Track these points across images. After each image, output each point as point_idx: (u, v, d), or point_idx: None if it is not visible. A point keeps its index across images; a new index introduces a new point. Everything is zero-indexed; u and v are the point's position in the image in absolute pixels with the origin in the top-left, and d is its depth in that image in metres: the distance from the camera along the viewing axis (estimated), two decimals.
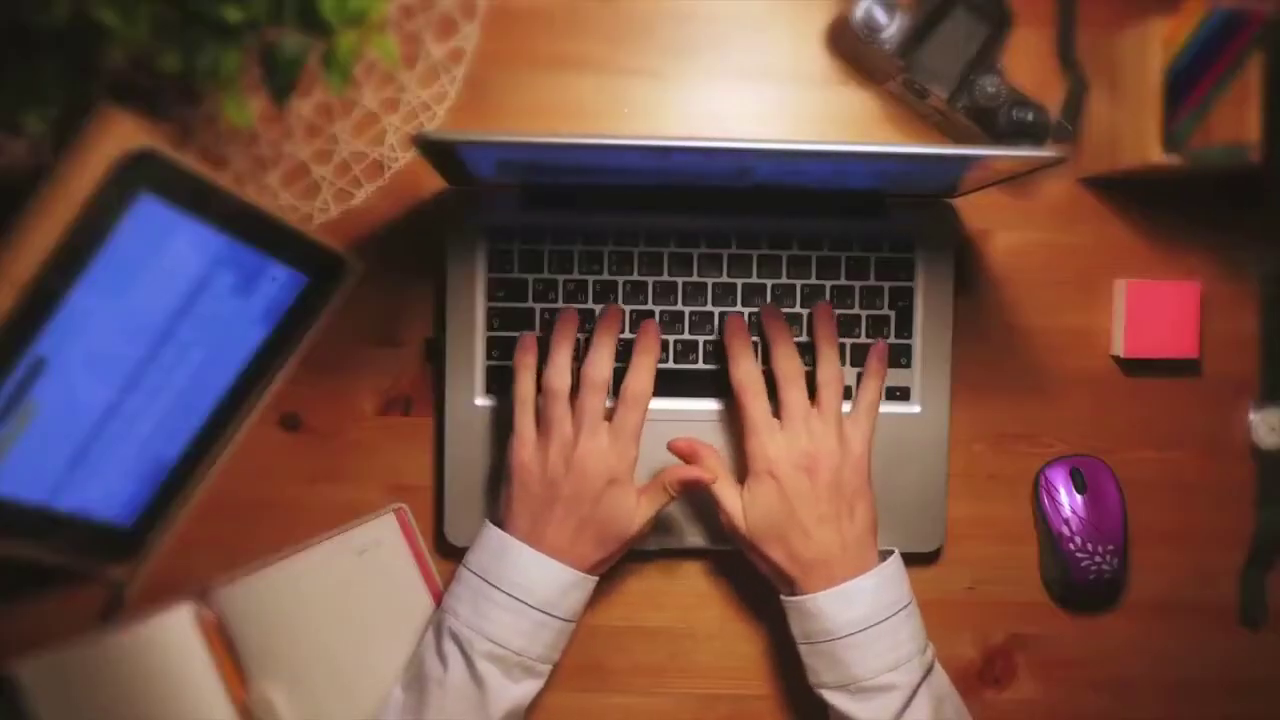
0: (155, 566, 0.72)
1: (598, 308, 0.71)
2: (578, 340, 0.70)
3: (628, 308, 0.72)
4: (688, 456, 0.69)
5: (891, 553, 0.68)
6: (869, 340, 0.72)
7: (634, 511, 0.67)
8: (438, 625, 0.67)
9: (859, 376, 0.72)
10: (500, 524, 0.67)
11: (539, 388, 0.68)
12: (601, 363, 0.67)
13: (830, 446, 0.66)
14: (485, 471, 0.72)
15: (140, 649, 0.69)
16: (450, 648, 0.65)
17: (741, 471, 0.69)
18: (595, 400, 0.66)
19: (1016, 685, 0.76)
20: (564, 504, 0.65)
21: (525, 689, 0.66)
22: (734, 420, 0.71)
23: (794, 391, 0.67)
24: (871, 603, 0.65)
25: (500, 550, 0.66)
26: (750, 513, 0.67)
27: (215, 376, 0.68)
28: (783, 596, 0.68)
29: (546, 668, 0.67)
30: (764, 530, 0.67)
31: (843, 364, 0.72)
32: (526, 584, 0.65)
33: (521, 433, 0.67)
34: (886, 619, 0.65)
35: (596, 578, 0.68)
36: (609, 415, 0.67)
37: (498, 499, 0.69)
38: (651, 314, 0.72)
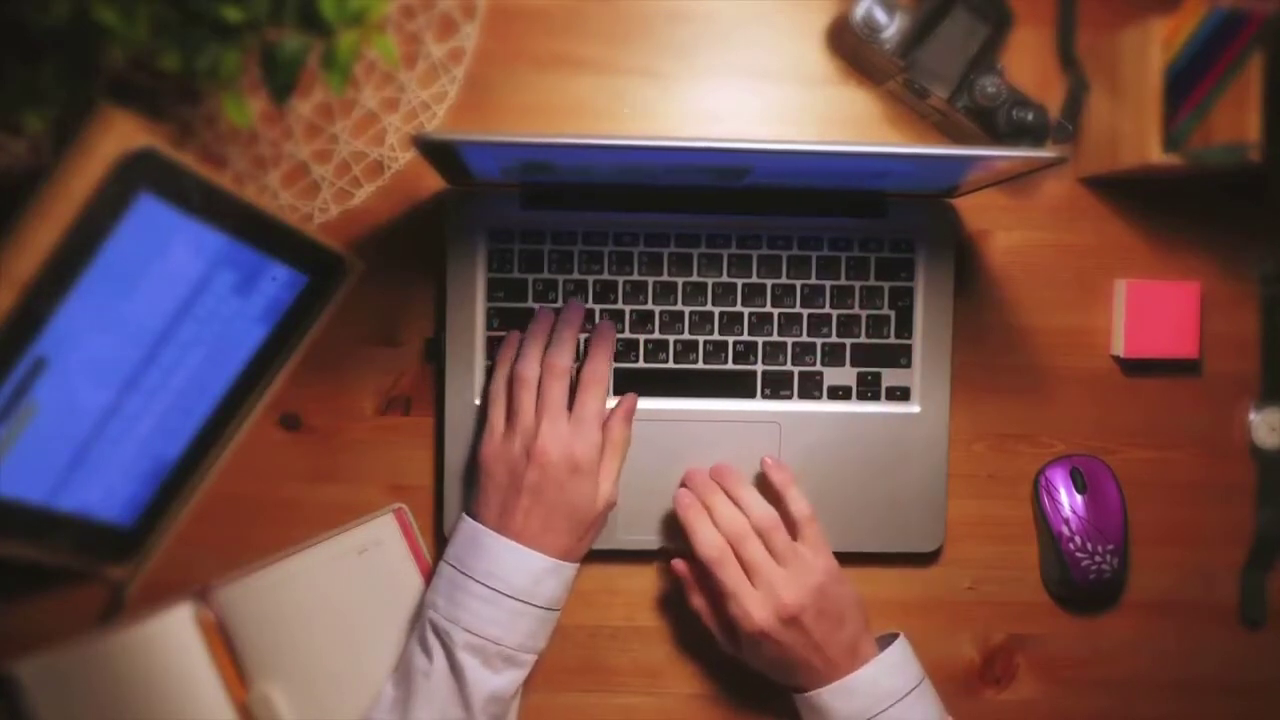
0: (155, 566, 0.72)
1: (598, 308, 0.71)
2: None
3: (628, 308, 0.72)
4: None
5: (896, 636, 0.69)
6: (869, 340, 0.73)
7: (596, 494, 0.68)
8: (421, 619, 0.67)
9: (858, 377, 0.73)
10: (474, 515, 0.68)
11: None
12: (563, 352, 0.69)
13: (803, 588, 0.66)
14: None
15: (140, 649, 0.69)
16: (432, 640, 0.66)
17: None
18: (557, 387, 0.67)
19: (1016, 685, 0.76)
20: (529, 492, 0.66)
21: (506, 679, 0.66)
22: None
23: (750, 547, 0.68)
24: (872, 693, 0.66)
25: (473, 541, 0.66)
26: (753, 663, 0.70)
27: (215, 376, 0.68)
28: (794, 695, 0.69)
29: (529, 657, 0.67)
30: (769, 671, 0.70)
31: (843, 365, 0.73)
32: (499, 573, 0.65)
33: (492, 425, 0.68)
34: (890, 707, 0.66)
35: (575, 564, 0.68)
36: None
37: (471, 492, 0.70)
38: (651, 314, 0.72)
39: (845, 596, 0.68)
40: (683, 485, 0.72)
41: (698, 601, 0.71)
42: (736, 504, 0.69)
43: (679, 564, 0.71)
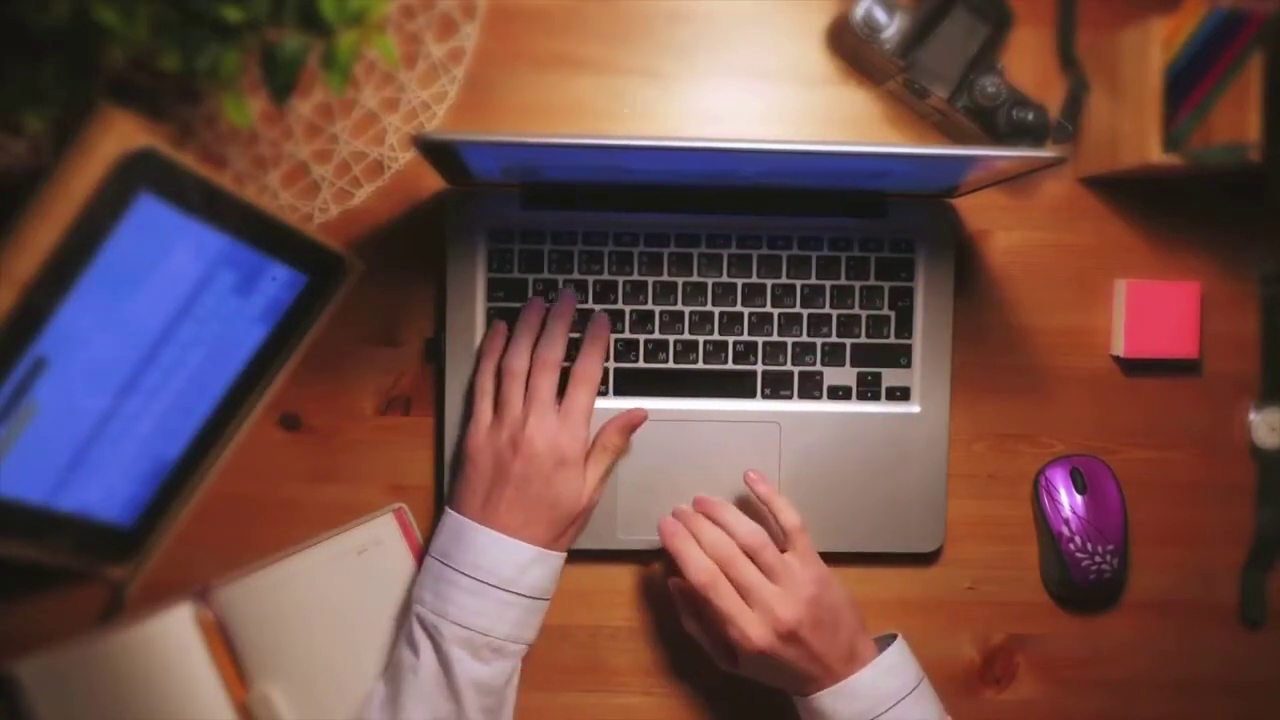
0: (155, 566, 0.72)
1: (596, 308, 0.71)
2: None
3: (628, 308, 0.72)
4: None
5: (895, 636, 0.69)
6: (869, 340, 0.73)
7: (581, 489, 0.68)
8: (407, 615, 0.67)
9: (858, 377, 0.73)
10: (457, 507, 0.68)
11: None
12: (554, 345, 0.69)
13: (798, 602, 0.66)
14: None
15: (140, 649, 0.69)
16: (419, 635, 0.66)
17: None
18: (546, 380, 0.68)
19: (1016, 685, 0.76)
20: (514, 484, 0.66)
21: (495, 669, 0.66)
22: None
23: (740, 568, 0.67)
24: (871, 695, 0.66)
25: (456, 533, 0.67)
26: (752, 677, 0.69)
27: (215, 376, 0.68)
28: (794, 698, 0.69)
29: (517, 648, 0.67)
30: (768, 682, 0.69)
31: (843, 365, 0.73)
32: (484, 564, 0.65)
33: (478, 417, 0.69)
34: (890, 708, 0.65)
35: (561, 553, 0.69)
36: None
37: (455, 485, 0.70)
38: (651, 314, 0.72)
39: (838, 601, 0.68)
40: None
41: (691, 625, 0.71)
42: (722, 527, 0.69)
43: (675, 583, 0.71)
